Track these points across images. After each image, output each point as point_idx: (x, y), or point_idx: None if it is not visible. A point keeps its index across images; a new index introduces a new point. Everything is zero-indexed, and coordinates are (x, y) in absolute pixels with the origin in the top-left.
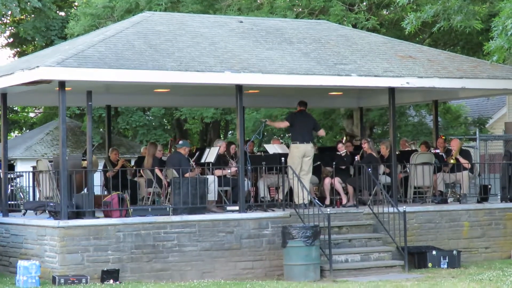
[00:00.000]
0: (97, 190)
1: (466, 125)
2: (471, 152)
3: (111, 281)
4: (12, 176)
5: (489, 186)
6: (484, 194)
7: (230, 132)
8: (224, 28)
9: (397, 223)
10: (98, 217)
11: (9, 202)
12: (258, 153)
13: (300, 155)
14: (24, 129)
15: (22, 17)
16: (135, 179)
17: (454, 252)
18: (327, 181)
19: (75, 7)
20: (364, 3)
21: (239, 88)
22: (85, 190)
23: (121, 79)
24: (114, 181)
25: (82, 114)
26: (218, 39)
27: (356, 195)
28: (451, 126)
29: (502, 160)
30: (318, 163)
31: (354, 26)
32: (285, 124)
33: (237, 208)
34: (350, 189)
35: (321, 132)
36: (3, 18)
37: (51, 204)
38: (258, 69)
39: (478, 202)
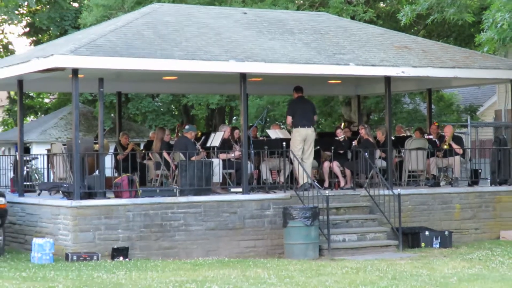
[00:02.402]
0: (108, 172)
1: (458, 113)
2: (463, 138)
3: (121, 258)
4: (28, 158)
5: (480, 171)
6: (474, 178)
7: (234, 117)
8: (229, 19)
9: (392, 205)
10: (109, 198)
11: (25, 183)
12: (261, 138)
13: (302, 139)
14: (39, 114)
15: (37, 7)
16: (144, 162)
17: (446, 232)
18: (326, 164)
19: None
20: None
21: (243, 76)
22: (97, 172)
23: (131, 67)
24: (124, 163)
25: (94, 100)
26: (223, 29)
27: (354, 178)
28: (444, 113)
29: (492, 145)
30: (318, 147)
31: (353, 18)
32: (288, 119)
33: (240, 189)
34: (348, 172)
35: (315, 118)
36: (19, 9)
37: (64, 185)
38: (261, 58)
39: (469, 185)
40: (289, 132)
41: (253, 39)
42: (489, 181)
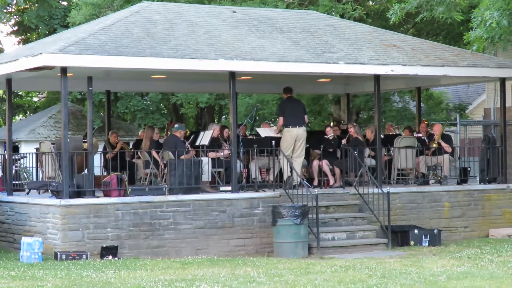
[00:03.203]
0: (97, 171)
1: (447, 111)
2: (452, 136)
3: (110, 257)
4: (16, 157)
5: (469, 169)
6: (463, 176)
7: (224, 116)
8: (218, 18)
9: (381, 203)
10: (98, 197)
11: (14, 182)
12: (250, 137)
13: (293, 139)
14: (28, 112)
15: (26, 6)
16: (133, 160)
17: (435, 231)
18: (315, 163)
19: None
20: None
21: (232, 74)
22: (86, 170)
23: (120, 66)
24: (113, 162)
25: (83, 99)
26: (213, 28)
27: (343, 177)
28: (433, 111)
29: (481, 144)
30: (307, 146)
31: (342, 16)
32: (280, 121)
33: (229, 188)
34: (337, 171)
35: (306, 117)
36: (8, 7)
37: (53, 184)
38: (250, 57)
39: (458, 183)
40: (280, 131)
41: (243, 37)
42: (478, 179)
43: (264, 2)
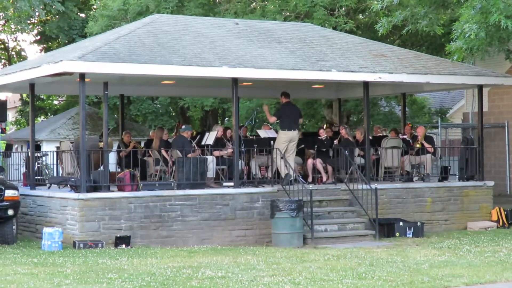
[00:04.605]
0: (112, 168)
1: (429, 115)
2: (434, 138)
3: (124, 246)
4: (39, 155)
5: (449, 167)
6: (444, 174)
7: (227, 118)
8: (222, 29)
9: (369, 198)
10: (113, 191)
11: (36, 177)
12: (251, 137)
13: (287, 140)
14: (49, 114)
15: (48, 18)
16: (145, 158)
17: (418, 223)
18: (310, 161)
19: (94, 9)
20: (343, 9)
21: (235, 80)
22: (102, 167)
23: (133, 72)
24: (127, 160)
25: (99, 102)
26: (217, 38)
27: (335, 174)
28: (416, 115)
29: (460, 145)
30: (302, 146)
31: (334, 28)
32: (273, 119)
33: (232, 184)
34: (330, 168)
35: (300, 120)
36: (31, 19)
37: (72, 179)
38: (251, 65)
39: (439, 181)
40: (276, 131)
41: (244, 47)
42: (457, 177)
43: (264, 15)
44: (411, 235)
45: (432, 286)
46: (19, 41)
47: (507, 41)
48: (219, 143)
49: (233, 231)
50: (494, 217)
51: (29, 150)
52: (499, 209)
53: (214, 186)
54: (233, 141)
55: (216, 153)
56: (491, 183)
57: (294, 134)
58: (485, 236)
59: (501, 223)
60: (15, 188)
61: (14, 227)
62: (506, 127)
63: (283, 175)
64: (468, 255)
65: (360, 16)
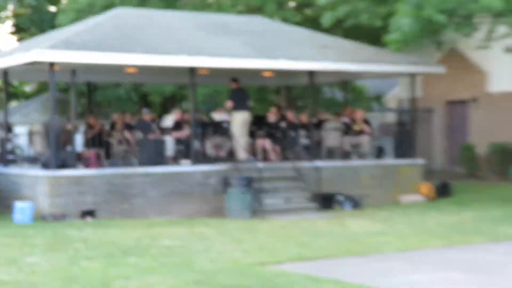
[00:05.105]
0: (79, 148)
1: (367, 100)
2: (371, 120)
3: (89, 218)
4: (12, 136)
5: (384, 147)
6: (380, 153)
7: (185, 103)
8: (182, 22)
9: (313, 175)
10: (80, 169)
11: (9, 157)
12: (207, 120)
13: (241, 121)
14: (21, 99)
15: (22, 12)
16: (109, 139)
17: (356, 197)
18: (260, 142)
19: (63, 3)
20: (292, 3)
21: (192, 69)
22: (70, 147)
23: (99, 61)
24: (93, 141)
25: (68, 89)
26: (177, 30)
27: (282, 153)
28: (356, 100)
29: (395, 127)
30: (253, 128)
31: (284, 21)
32: (230, 103)
33: (189, 162)
34: (277, 148)
35: (250, 103)
36: (4, 12)
37: (42, 158)
38: (207, 54)
39: (375, 159)
40: (230, 115)
41: (202, 38)
42: (391, 156)
43: (220, 9)
44: (349, 208)
45: (368, 252)
46: None
47: (438, 33)
48: (177, 126)
49: (190, 205)
50: (423, 191)
51: (2, 132)
52: (428, 184)
53: (172, 164)
54: (190, 124)
55: (175, 134)
56: (422, 161)
57: (246, 116)
58: (415, 208)
59: (429, 197)
60: None
61: None
62: (436, 112)
63: (237, 154)
64: (399, 225)
65: (307, 10)
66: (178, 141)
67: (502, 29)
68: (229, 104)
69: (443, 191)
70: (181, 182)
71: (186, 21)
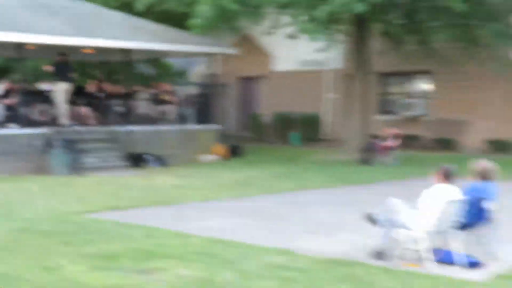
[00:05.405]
0: None
1: (174, 75)
2: (177, 92)
3: None
4: None
5: (187, 115)
6: (183, 120)
7: (15, 75)
8: (11, 2)
9: (126, 138)
10: None
11: None
12: (34, 89)
13: (63, 90)
14: None
15: None
16: None
17: (163, 157)
18: (81, 109)
19: None
20: None
21: (20, 44)
22: None
23: None
24: None
25: None
26: (7, 9)
27: (100, 119)
28: (164, 75)
29: (197, 98)
30: (75, 97)
31: (104, 5)
32: (50, 68)
33: (16, 126)
34: (96, 115)
35: (72, 74)
36: None
37: None
38: (33, 32)
39: (179, 125)
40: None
41: (28, 17)
42: (193, 122)
43: None
44: (157, 166)
45: (171, 202)
46: None
47: (233, 20)
48: (7, 94)
49: (16, 163)
50: (219, 152)
51: None
52: (223, 146)
53: (1, 128)
54: (18, 92)
55: (5, 102)
56: (218, 127)
57: (68, 86)
58: (211, 166)
59: (224, 157)
60: None
61: None
62: (231, 86)
63: (60, 119)
64: (198, 180)
65: None
66: (8, 108)
67: (285, 18)
68: (47, 67)
69: (235, 152)
70: (9, 144)
71: (16, 2)
